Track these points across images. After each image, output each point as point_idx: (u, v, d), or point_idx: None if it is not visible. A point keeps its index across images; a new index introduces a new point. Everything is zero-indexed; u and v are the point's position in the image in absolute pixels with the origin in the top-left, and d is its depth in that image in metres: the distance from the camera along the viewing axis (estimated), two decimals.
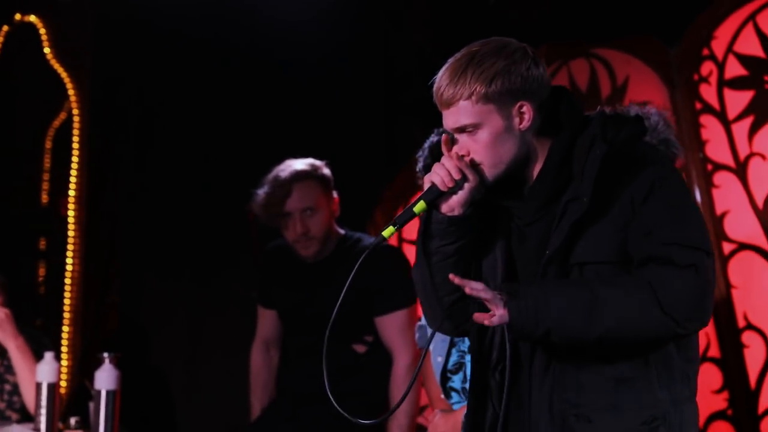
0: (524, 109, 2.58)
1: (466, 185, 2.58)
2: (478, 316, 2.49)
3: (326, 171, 4.28)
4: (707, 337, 4.66)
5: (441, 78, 2.61)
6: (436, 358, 3.54)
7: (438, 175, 2.59)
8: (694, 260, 2.48)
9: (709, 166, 4.68)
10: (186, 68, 5.63)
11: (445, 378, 3.55)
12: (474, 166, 2.60)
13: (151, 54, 5.65)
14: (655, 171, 2.54)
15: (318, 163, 4.30)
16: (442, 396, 3.58)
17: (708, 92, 4.70)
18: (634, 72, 4.91)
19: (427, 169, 2.76)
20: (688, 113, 4.75)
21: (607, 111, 2.72)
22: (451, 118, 2.60)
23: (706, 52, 4.73)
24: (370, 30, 5.53)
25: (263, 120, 5.49)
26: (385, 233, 2.58)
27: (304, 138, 5.03)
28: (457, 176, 2.58)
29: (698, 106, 4.72)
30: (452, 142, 2.64)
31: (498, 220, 2.68)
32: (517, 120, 2.59)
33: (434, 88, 2.63)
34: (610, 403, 2.56)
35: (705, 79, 4.71)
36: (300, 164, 4.28)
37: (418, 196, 2.65)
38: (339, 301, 2.67)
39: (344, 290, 2.65)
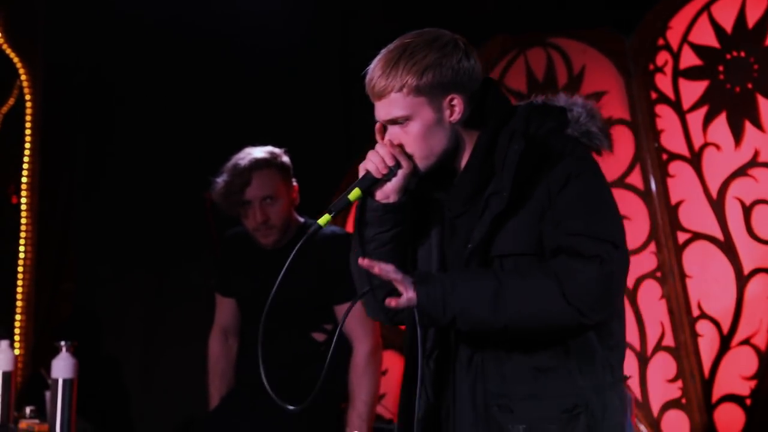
0: (455, 102, 2.61)
1: (400, 172, 2.61)
2: (388, 300, 2.53)
3: (285, 159, 4.26)
4: (662, 326, 4.74)
5: (373, 69, 2.65)
6: None
7: (372, 162, 2.63)
8: (599, 251, 2.50)
9: (664, 156, 4.77)
10: (142, 54, 5.60)
11: None
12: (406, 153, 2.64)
13: (107, 38, 5.61)
14: (572, 163, 2.57)
15: (277, 151, 4.27)
16: None
17: (663, 82, 4.79)
18: (590, 61, 4.99)
19: None
20: (643, 103, 4.83)
21: (537, 101, 2.75)
22: (382, 110, 2.64)
23: (661, 42, 4.81)
24: (328, 19, 5.54)
25: (222, 108, 5.48)
26: (321, 221, 2.62)
27: (263, 126, 5.03)
28: (390, 163, 2.61)
29: (654, 95, 4.80)
30: (385, 130, 2.68)
31: (433, 211, 2.71)
32: (447, 112, 2.62)
33: (366, 79, 2.66)
34: (532, 393, 2.60)
35: (660, 69, 4.80)
36: (259, 152, 4.25)
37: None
38: (275, 288, 2.73)
39: (280, 276, 2.70)
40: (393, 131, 2.65)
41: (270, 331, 4.23)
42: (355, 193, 2.64)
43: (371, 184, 2.64)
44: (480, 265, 2.60)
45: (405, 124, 2.62)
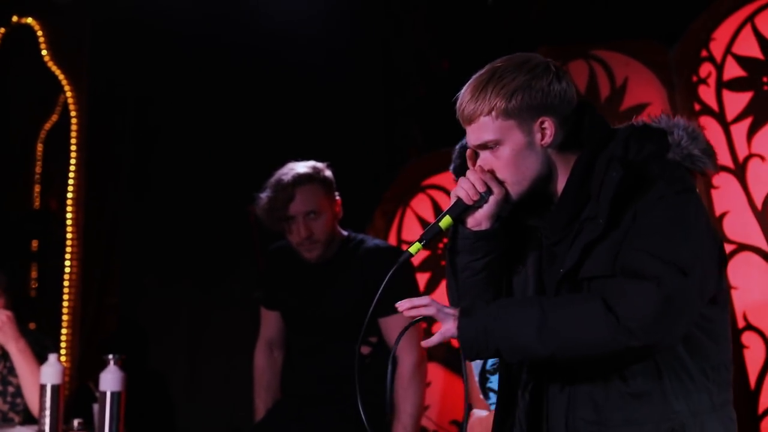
0: (546, 124, 2.57)
1: (492, 198, 2.59)
2: (424, 342, 2.55)
3: (328, 173, 4.27)
4: None
5: (463, 94, 2.62)
6: (477, 368, 3.60)
7: (463, 189, 2.60)
8: (659, 273, 2.43)
9: None
10: (185, 70, 5.64)
11: (483, 378, 3.59)
12: (497, 179, 2.61)
13: (150, 55, 5.65)
14: (664, 188, 2.50)
15: (320, 165, 4.28)
16: (481, 396, 3.62)
17: (707, 94, 4.73)
18: (632, 73, 4.91)
19: (457, 169, 2.82)
20: (686, 115, 4.60)
21: (637, 123, 2.70)
22: (473, 135, 2.61)
23: (704, 53, 4.75)
24: (370, 32, 5.55)
25: (264, 122, 5.50)
26: (412, 249, 2.60)
27: (306, 140, 5.07)
28: (482, 189, 2.60)
29: (697, 107, 4.74)
30: (476, 156, 2.65)
31: (529, 239, 2.68)
32: (538, 136, 2.58)
33: (457, 105, 2.63)
34: (626, 419, 2.55)
35: (704, 81, 4.74)
36: (302, 167, 4.27)
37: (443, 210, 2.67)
38: (368, 316, 2.74)
39: (372, 306, 2.70)
40: (484, 156, 2.63)
41: (316, 344, 4.32)
42: (446, 221, 2.62)
43: (462, 211, 2.62)
44: (572, 289, 2.56)
45: (495, 149, 2.59)
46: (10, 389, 4.58)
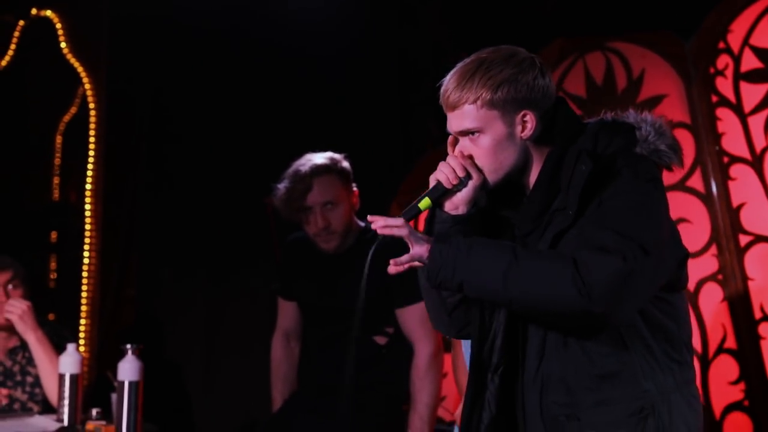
0: (527, 118, 2.64)
1: (470, 183, 2.64)
2: (393, 261, 2.57)
3: (346, 164, 4.28)
4: (723, 328, 4.71)
5: (449, 81, 2.66)
6: (468, 349, 3.62)
7: (443, 173, 2.65)
8: (623, 248, 2.47)
9: (726, 159, 4.73)
10: (202, 62, 5.65)
11: None
12: (476, 166, 2.66)
13: (167, 48, 5.66)
14: (631, 178, 2.57)
15: (337, 156, 4.29)
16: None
17: (724, 85, 4.75)
18: (649, 65, 4.95)
19: None
20: (704, 106, 4.79)
21: (607, 118, 2.75)
22: (455, 121, 2.67)
23: (722, 45, 4.77)
24: (385, 24, 5.56)
25: (280, 114, 5.51)
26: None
27: (323, 132, 5.08)
28: (461, 174, 2.64)
29: (714, 99, 4.76)
30: (456, 142, 2.70)
31: (503, 230, 2.73)
32: (519, 128, 2.64)
33: (441, 91, 2.68)
34: (598, 400, 2.62)
35: (721, 72, 4.76)
36: (320, 158, 4.28)
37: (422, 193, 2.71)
38: (361, 300, 2.81)
39: (362, 288, 2.76)
40: (464, 143, 2.68)
41: (332, 335, 4.34)
42: (425, 203, 2.67)
43: (441, 194, 2.66)
44: None
45: (476, 137, 2.65)
46: (29, 379, 4.60)
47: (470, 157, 2.67)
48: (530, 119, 2.64)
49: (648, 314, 2.63)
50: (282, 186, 4.28)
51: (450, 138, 2.72)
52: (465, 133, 2.67)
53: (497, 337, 2.73)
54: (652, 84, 4.96)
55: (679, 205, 4.86)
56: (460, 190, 2.66)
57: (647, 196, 2.57)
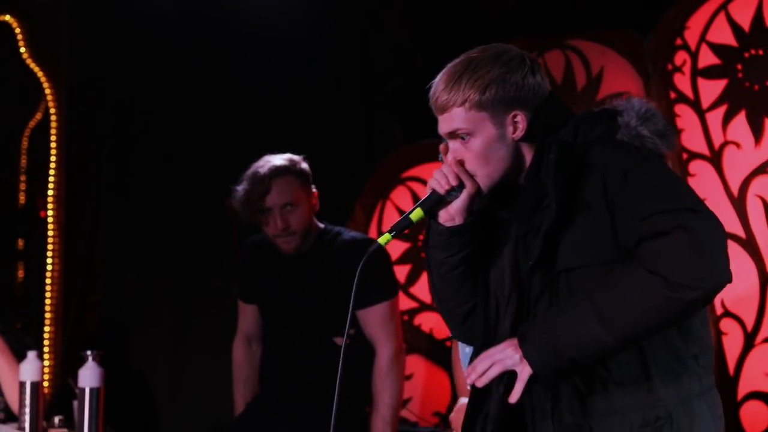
0: (518, 118, 2.58)
1: (464, 192, 2.59)
2: (511, 398, 2.49)
3: (304, 165, 4.28)
4: None
5: (437, 83, 2.62)
6: (464, 349, 3.58)
7: (436, 181, 2.61)
8: (678, 221, 2.37)
9: (685, 155, 4.74)
10: (163, 66, 5.65)
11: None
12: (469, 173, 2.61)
13: (128, 52, 5.66)
14: (627, 160, 2.50)
15: (296, 158, 4.29)
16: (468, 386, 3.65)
17: (682, 82, 4.77)
18: (609, 63, 4.97)
19: None
20: (663, 103, 4.79)
21: (596, 109, 2.69)
22: (444, 124, 2.62)
23: (679, 41, 4.79)
24: (348, 26, 5.56)
25: (242, 116, 5.53)
26: (382, 240, 2.62)
27: (283, 133, 5.06)
28: (454, 182, 2.59)
29: (672, 95, 4.79)
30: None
31: (504, 232, 2.67)
32: (510, 129, 2.59)
33: (430, 93, 2.63)
34: (611, 408, 2.52)
35: (679, 69, 4.78)
36: (278, 160, 4.27)
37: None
38: (350, 310, 2.81)
39: (352, 300, 2.76)
40: (454, 147, 2.63)
41: (292, 337, 4.32)
42: (417, 213, 2.62)
43: (434, 204, 2.62)
44: (543, 281, 2.55)
45: (467, 140, 2.60)
46: None
47: (462, 163, 2.61)
48: (521, 119, 2.58)
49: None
50: (241, 188, 4.27)
51: (442, 146, 2.65)
52: (455, 135, 2.61)
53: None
54: (612, 81, 4.97)
55: None
56: (453, 199, 2.61)
57: (654, 165, 2.51)
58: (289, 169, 4.26)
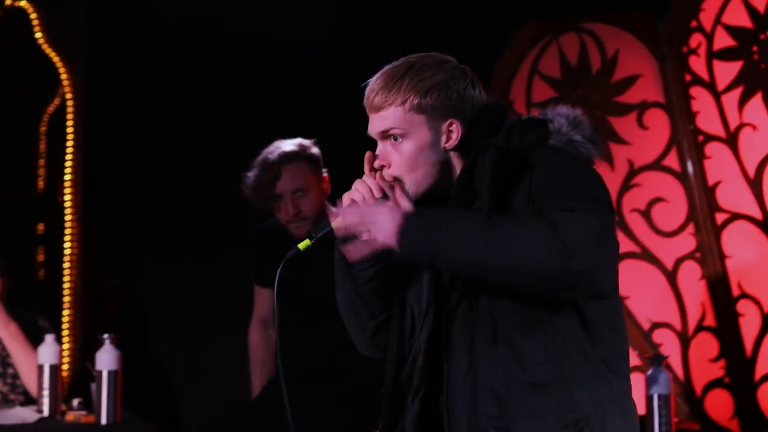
0: (453, 127, 2.57)
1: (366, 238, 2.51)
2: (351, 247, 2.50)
3: (315, 150, 4.29)
4: (702, 306, 4.78)
5: (375, 82, 2.62)
6: None
7: (359, 193, 2.58)
8: (592, 206, 2.41)
9: (701, 137, 4.80)
10: (177, 52, 5.65)
11: None
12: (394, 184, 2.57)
13: (144, 37, 5.67)
14: (552, 159, 2.51)
15: (306, 142, 4.30)
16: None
17: (697, 64, 4.81)
18: (624, 46, 5.03)
19: None
20: (678, 85, 4.87)
21: (523, 117, 2.68)
22: (378, 123, 2.61)
23: (694, 24, 4.83)
24: (358, 8, 5.55)
25: (255, 101, 5.53)
26: (301, 246, 2.60)
27: (294, 118, 5.05)
28: (378, 195, 2.56)
29: (688, 78, 4.83)
30: (374, 159, 2.63)
31: None
32: (444, 137, 2.58)
33: (366, 91, 2.64)
34: (529, 411, 2.51)
35: (694, 51, 4.82)
36: (288, 145, 4.29)
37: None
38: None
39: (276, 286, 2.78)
40: (383, 149, 2.62)
41: (305, 321, 4.34)
42: (338, 222, 2.55)
43: (326, 234, 2.58)
44: (466, 285, 2.53)
45: (399, 142, 2.58)
46: (10, 371, 4.65)
47: (386, 169, 2.58)
48: (456, 129, 2.57)
49: (587, 320, 2.53)
50: (251, 174, 4.30)
51: (368, 154, 2.64)
52: (387, 135, 2.60)
53: (418, 358, 2.63)
54: (627, 64, 5.02)
55: (656, 184, 4.95)
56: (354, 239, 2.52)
57: (579, 163, 2.53)
58: (298, 155, 4.28)
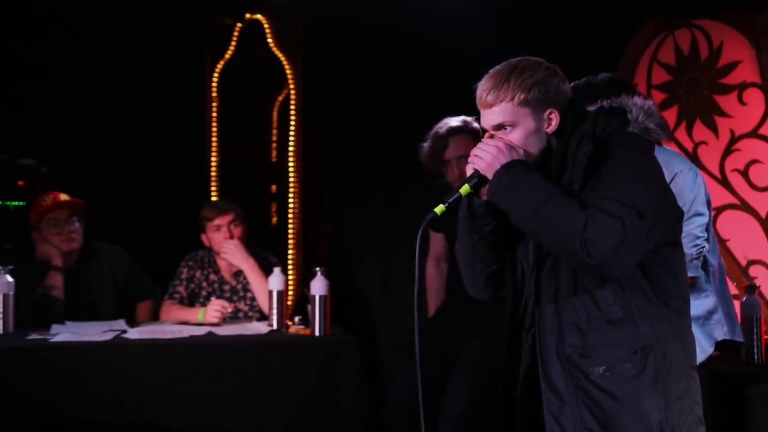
0: (552, 115, 2.66)
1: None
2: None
3: (476, 125, 4.38)
4: None
5: (485, 83, 2.69)
6: None
7: (479, 159, 2.68)
8: (622, 214, 2.46)
9: None
10: (372, 51, 5.94)
11: None
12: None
13: (347, 41, 5.97)
14: (626, 154, 2.59)
15: (469, 119, 4.48)
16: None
17: None
18: (727, 37, 5.16)
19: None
20: None
21: (605, 105, 2.81)
22: (491, 117, 2.68)
23: None
24: (510, 12, 5.72)
25: (429, 89, 5.82)
26: (437, 210, 2.71)
27: (459, 101, 4.97)
28: (498, 146, 2.64)
29: None
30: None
31: None
32: (545, 124, 2.67)
33: (478, 91, 2.70)
34: (606, 342, 2.61)
35: None
36: (454, 121, 4.49)
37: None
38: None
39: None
40: (498, 136, 2.70)
41: None
42: (465, 189, 2.69)
43: (478, 181, 2.69)
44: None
45: (509, 131, 2.66)
46: (249, 295, 5.02)
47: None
48: (555, 117, 2.66)
49: (648, 268, 2.62)
50: (425, 144, 4.56)
51: (486, 135, 2.74)
52: (500, 127, 2.68)
53: (528, 303, 2.74)
54: (730, 52, 5.15)
55: (753, 149, 5.09)
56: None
57: (640, 168, 2.56)
58: (462, 129, 4.54)
